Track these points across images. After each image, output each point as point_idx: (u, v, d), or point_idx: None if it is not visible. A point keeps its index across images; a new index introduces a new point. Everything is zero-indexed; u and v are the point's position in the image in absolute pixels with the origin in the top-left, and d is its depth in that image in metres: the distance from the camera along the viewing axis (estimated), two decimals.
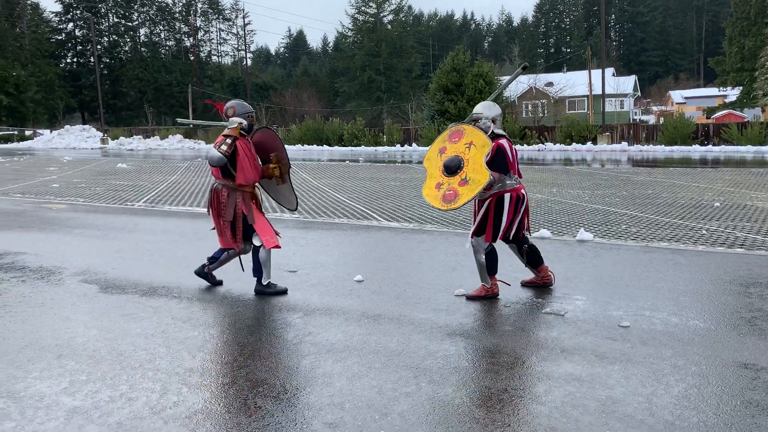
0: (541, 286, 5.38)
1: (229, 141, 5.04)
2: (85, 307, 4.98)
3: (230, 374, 3.65)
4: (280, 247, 5.33)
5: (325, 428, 2.96)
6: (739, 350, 3.86)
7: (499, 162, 4.96)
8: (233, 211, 5.19)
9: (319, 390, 3.39)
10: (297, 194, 5.49)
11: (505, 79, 5.62)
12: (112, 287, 5.57)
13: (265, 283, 5.29)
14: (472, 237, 5.13)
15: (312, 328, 4.42)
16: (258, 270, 5.29)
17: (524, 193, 5.20)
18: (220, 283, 5.60)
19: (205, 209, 5.54)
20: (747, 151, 25.65)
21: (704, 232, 7.74)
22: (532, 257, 5.33)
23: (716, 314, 4.57)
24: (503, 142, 5.05)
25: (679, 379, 3.45)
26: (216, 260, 5.50)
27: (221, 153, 4.94)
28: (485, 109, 5.17)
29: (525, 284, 5.44)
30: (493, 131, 5.11)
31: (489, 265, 5.10)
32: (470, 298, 5.09)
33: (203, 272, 5.55)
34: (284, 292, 5.30)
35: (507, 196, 5.06)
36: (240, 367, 3.76)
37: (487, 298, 5.08)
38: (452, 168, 4.86)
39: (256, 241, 5.22)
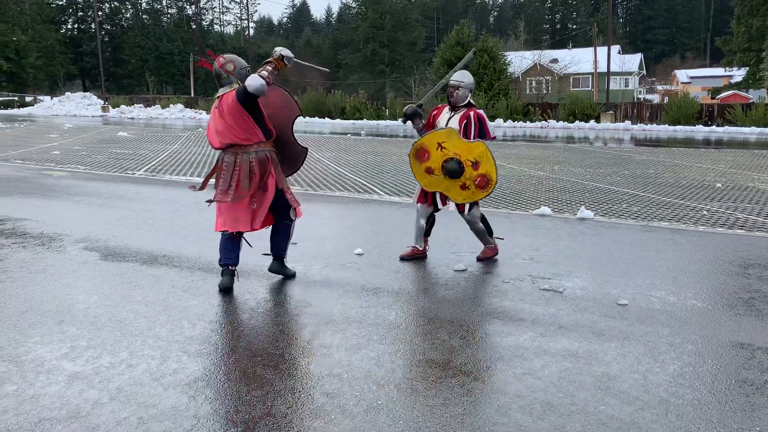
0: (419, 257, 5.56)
1: (269, 68, 4.35)
2: (85, 274, 5.00)
3: (230, 343, 3.68)
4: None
5: (324, 398, 2.99)
6: (736, 330, 3.88)
7: (485, 129, 5.26)
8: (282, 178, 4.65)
9: (318, 360, 3.42)
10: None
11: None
12: (113, 255, 5.58)
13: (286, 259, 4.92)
14: (467, 210, 5.35)
15: (311, 299, 4.45)
16: (284, 247, 4.86)
17: None
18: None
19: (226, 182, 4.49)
20: (751, 132, 25.52)
21: (705, 212, 7.74)
22: (430, 228, 5.61)
23: (714, 294, 4.59)
24: (481, 111, 5.31)
25: (675, 357, 3.47)
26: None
27: (263, 79, 4.20)
28: (465, 77, 5.34)
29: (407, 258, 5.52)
30: (469, 100, 5.33)
31: (487, 227, 5.44)
32: (481, 259, 5.47)
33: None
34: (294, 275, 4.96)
35: None
36: (240, 336, 3.79)
37: (494, 256, 5.51)
38: (457, 171, 5.13)
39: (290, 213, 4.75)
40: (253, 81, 4.17)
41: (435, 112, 5.48)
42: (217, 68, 4.52)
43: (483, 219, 5.43)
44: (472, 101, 5.36)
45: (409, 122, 5.47)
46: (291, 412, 2.87)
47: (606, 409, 2.90)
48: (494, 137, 5.37)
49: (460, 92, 5.25)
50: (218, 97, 4.50)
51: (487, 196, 5.35)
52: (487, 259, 5.45)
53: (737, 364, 3.39)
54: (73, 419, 2.79)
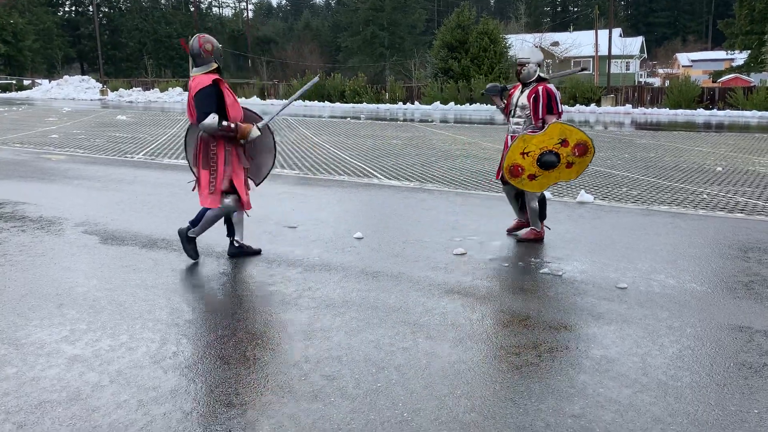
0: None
1: (230, 131, 4.56)
2: (85, 258, 5.00)
3: (229, 326, 3.69)
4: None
5: (323, 380, 3.00)
6: (735, 313, 3.89)
7: (553, 104, 5.31)
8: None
9: (318, 343, 3.43)
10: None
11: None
12: (112, 238, 5.58)
13: (238, 243, 5.01)
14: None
15: (311, 283, 4.45)
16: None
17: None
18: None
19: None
20: (752, 116, 25.41)
21: (705, 196, 7.73)
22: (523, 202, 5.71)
23: (714, 278, 4.59)
24: (550, 86, 5.36)
25: (674, 341, 3.48)
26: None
27: (216, 128, 4.47)
28: (532, 54, 5.49)
29: (512, 232, 5.76)
30: (539, 75, 5.43)
31: (542, 211, 5.52)
32: (521, 240, 5.54)
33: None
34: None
35: None
36: (239, 319, 3.80)
37: (536, 240, 5.52)
38: (555, 161, 5.27)
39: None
40: (210, 123, 4.44)
41: (513, 91, 5.65)
42: (196, 47, 4.57)
43: (542, 202, 5.52)
44: (542, 75, 5.45)
45: (491, 98, 5.72)
46: (291, 394, 2.87)
47: (605, 391, 2.91)
48: (561, 112, 5.45)
49: (529, 67, 5.40)
50: (192, 77, 4.60)
51: (593, 156, 5.49)
52: (527, 241, 5.51)
53: (736, 347, 3.40)
54: (74, 402, 2.80)
